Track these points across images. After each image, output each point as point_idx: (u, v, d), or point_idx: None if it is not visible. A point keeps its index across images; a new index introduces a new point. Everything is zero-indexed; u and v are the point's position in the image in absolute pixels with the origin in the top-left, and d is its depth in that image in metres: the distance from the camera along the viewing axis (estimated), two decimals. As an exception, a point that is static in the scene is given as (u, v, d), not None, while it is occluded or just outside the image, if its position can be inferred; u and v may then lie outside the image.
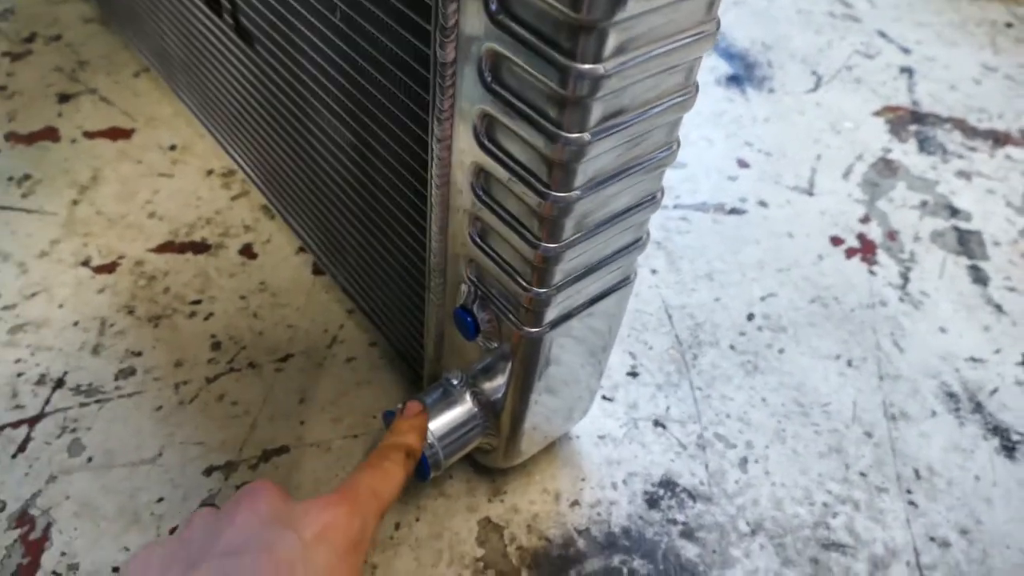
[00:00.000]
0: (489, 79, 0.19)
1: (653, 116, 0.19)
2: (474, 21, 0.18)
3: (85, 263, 0.40)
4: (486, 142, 0.20)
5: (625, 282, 0.26)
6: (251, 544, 0.20)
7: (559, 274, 0.22)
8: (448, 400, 0.29)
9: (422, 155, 0.23)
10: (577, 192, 0.19)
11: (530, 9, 0.17)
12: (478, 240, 0.23)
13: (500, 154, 0.20)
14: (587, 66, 0.16)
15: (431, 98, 0.21)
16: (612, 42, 0.16)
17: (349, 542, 0.22)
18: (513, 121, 0.19)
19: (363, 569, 0.23)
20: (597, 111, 0.18)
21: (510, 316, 0.24)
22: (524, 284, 0.22)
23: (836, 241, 0.45)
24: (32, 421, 0.33)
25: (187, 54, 0.40)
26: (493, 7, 0.17)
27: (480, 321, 0.25)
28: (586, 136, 0.18)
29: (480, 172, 0.21)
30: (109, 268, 0.39)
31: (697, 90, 0.20)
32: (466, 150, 0.21)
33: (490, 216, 0.22)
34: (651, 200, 0.23)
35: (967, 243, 0.46)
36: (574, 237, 0.21)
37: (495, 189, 0.21)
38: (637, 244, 0.24)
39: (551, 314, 0.24)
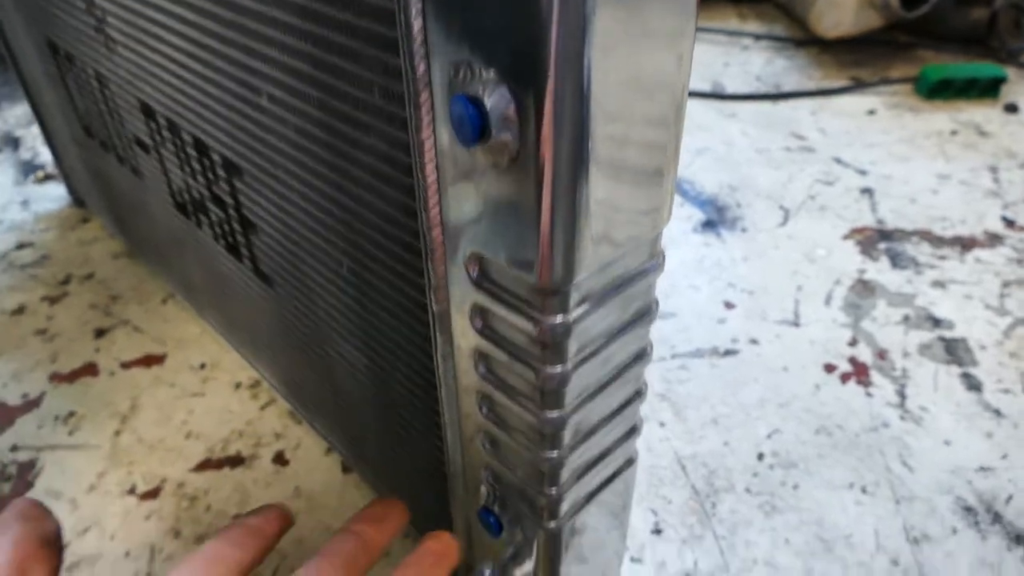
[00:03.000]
0: (479, 326, 0.22)
1: (623, 335, 0.23)
2: (460, 281, 0.22)
3: (131, 491, 0.42)
4: (484, 373, 0.24)
5: (628, 463, 0.28)
6: None
7: (566, 473, 0.25)
8: (483, 592, 0.30)
9: (433, 383, 0.26)
10: (568, 409, 0.22)
11: (503, 277, 0.20)
12: (490, 448, 0.26)
13: (497, 383, 0.23)
14: (557, 318, 0.20)
15: (432, 339, 0.24)
16: (575, 297, 0.20)
17: None
18: (504, 357, 0.22)
19: None
20: (573, 347, 0.21)
21: (528, 513, 0.26)
22: (536, 486, 0.25)
23: (829, 368, 0.48)
24: (92, 662, 0.34)
25: (211, 286, 0.45)
26: (474, 274, 0.21)
27: (503, 519, 0.28)
28: (568, 368, 0.21)
29: (482, 395, 0.24)
30: (153, 493, 0.42)
31: (657, 305, 0.23)
32: (469, 379, 0.24)
33: (497, 430, 0.25)
34: (637, 395, 0.26)
35: (955, 351, 0.49)
36: (573, 442, 0.24)
37: (497, 407, 0.24)
38: (633, 431, 0.27)
39: (565, 506, 0.26)
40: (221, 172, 0.34)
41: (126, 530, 0.40)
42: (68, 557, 0.39)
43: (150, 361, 0.50)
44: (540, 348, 0.21)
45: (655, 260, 0.22)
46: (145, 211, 0.48)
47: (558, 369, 0.21)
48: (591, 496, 0.27)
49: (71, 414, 0.47)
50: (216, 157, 0.33)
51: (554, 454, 0.23)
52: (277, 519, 0.29)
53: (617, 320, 0.22)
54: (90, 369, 0.50)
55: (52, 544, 0.24)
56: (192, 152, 0.35)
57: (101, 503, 0.42)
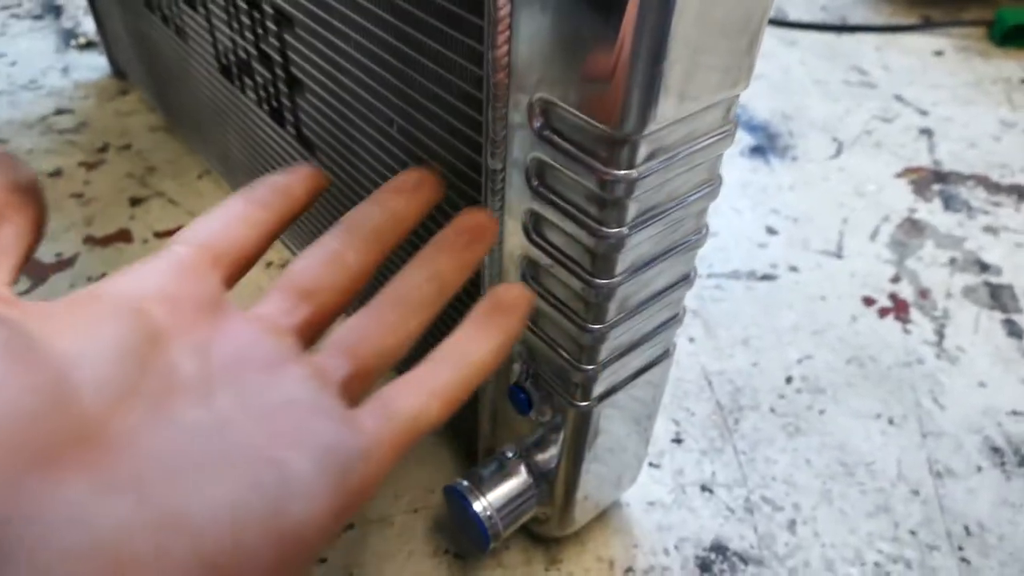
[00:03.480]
0: (535, 183, 0.21)
1: (683, 208, 0.22)
2: (521, 135, 0.21)
3: (158, 354, 0.43)
4: (534, 236, 0.23)
5: (666, 355, 0.27)
6: None
7: (605, 351, 0.24)
8: (504, 472, 0.30)
9: (475, 248, 0.26)
10: (618, 278, 0.21)
11: (570, 125, 0.19)
12: (529, 323, 0.25)
13: (547, 247, 0.22)
14: (622, 172, 0.19)
15: (483, 199, 0.23)
16: (643, 151, 0.19)
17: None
18: (558, 218, 0.21)
19: None
20: (633, 209, 0.20)
21: (561, 392, 0.26)
22: (574, 362, 0.24)
23: (868, 301, 0.47)
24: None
25: (249, 159, 0.44)
26: (537, 124, 0.20)
27: (533, 397, 0.27)
28: (624, 230, 0.20)
29: (529, 263, 0.24)
30: (180, 358, 0.42)
31: (720, 182, 0.22)
32: (516, 243, 0.24)
33: (539, 301, 0.24)
34: (685, 280, 0.25)
35: (999, 297, 0.47)
36: (618, 318, 0.23)
37: (543, 277, 0.24)
38: (675, 319, 0.26)
39: (599, 388, 0.26)
40: (271, 25, 0.32)
41: (153, 388, 0.41)
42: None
43: (183, 233, 0.50)
44: (600, 206, 0.20)
45: (727, 128, 0.21)
46: (187, 78, 0.47)
47: (614, 230, 0.20)
48: (625, 383, 0.27)
49: (104, 276, 0.47)
50: (267, 8, 0.32)
51: (596, 328, 0.23)
52: (308, 177, 0.23)
53: (679, 188, 0.21)
54: (124, 235, 0.50)
55: (28, 191, 0.19)
56: (242, 4, 0.34)
57: (130, 362, 0.42)
